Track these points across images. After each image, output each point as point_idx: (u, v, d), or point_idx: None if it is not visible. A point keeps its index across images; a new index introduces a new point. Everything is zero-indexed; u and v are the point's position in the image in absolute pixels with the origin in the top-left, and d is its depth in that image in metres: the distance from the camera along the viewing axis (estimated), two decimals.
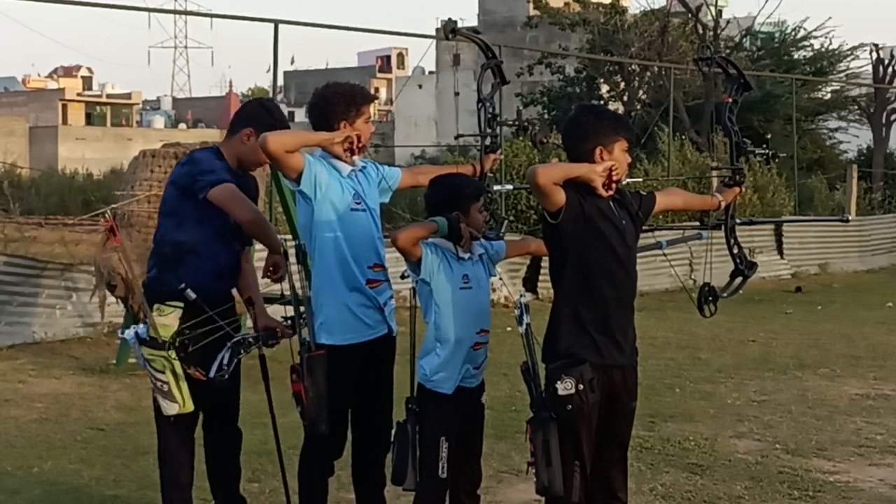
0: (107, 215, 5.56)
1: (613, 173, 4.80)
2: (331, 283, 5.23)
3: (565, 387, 4.66)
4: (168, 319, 5.30)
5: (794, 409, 9.06)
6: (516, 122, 6.21)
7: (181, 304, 5.30)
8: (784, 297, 16.90)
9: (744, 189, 5.67)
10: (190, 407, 5.32)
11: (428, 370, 5.12)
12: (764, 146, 5.94)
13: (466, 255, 5.14)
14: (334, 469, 5.46)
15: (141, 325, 5.37)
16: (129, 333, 5.37)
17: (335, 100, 5.32)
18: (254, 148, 5.28)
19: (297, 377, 5.17)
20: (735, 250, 5.64)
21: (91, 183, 37.56)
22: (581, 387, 4.67)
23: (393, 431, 5.23)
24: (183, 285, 5.24)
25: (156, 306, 5.32)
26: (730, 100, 5.75)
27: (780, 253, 20.10)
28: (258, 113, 5.54)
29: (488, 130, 5.95)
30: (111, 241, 5.52)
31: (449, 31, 6.09)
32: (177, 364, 5.25)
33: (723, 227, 5.58)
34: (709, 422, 8.50)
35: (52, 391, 9.52)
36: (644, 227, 5.16)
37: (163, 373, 5.27)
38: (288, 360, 5.33)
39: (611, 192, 4.84)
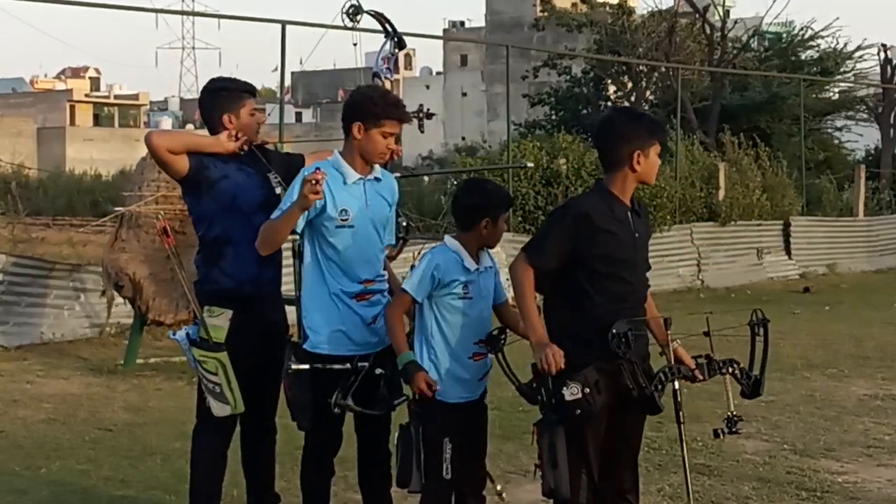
0: (160, 216, 5.56)
1: None
2: (318, 296, 5.17)
3: (572, 392, 4.66)
4: (219, 321, 5.27)
5: (801, 409, 9.04)
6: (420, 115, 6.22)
7: (231, 310, 5.30)
8: (792, 297, 16.87)
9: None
10: (241, 408, 5.31)
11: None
12: None
13: (472, 267, 5.10)
14: (334, 469, 5.44)
15: (192, 326, 5.36)
16: (181, 334, 5.35)
17: (354, 107, 5.22)
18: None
19: (284, 375, 5.22)
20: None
21: (99, 184, 37.72)
22: (587, 390, 4.66)
23: (396, 434, 5.22)
24: None
25: (206, 308, 5.30)
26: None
27: (788, 253, 20.09)
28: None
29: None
30: (164, 242, 5.48)
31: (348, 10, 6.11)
32: (229, 366, 5.24)
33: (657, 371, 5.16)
34: (716, 422, 8.36)
35: (60, 392, 9.54)
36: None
37: (215, 374, 5.23)
38: None
39: None
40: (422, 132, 6.42)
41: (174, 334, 5.46)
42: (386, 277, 5.33)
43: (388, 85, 6.19)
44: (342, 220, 5.12)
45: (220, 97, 5.55)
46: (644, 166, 4.86)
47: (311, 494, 5.40)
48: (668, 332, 5.07)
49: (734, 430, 5.06)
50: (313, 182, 4.86)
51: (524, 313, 4.85)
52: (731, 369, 5.15)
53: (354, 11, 6.40)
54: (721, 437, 5.10)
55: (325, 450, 5.36)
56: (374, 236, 5.23)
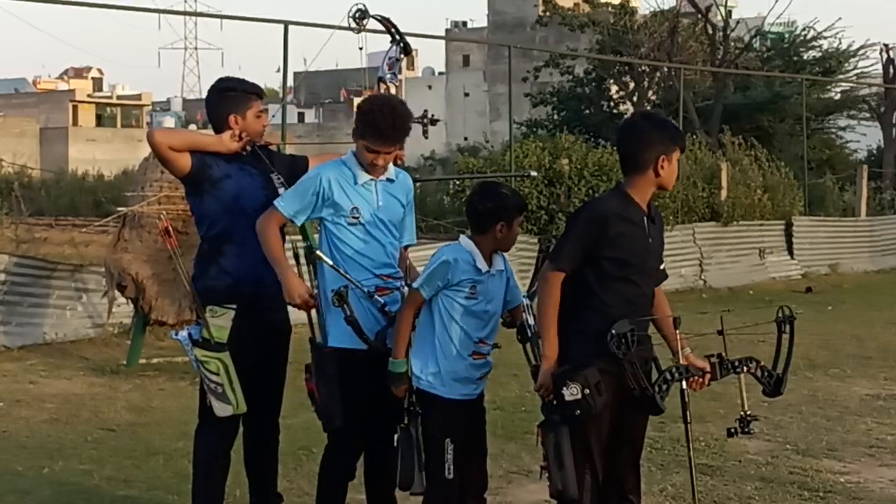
0: (162, 216, 5.58)
1: None
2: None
3: (571, 392, 4.66)
4: (221, 321, 5.26)
5: (804, 409, 9.04)
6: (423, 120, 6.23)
7: (233, 307, 5.29)
8: (794, 297, 16.84)
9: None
10: (243, 408, 5.30)
11: (421, 375, 5.11)
12: None
13: (484, 269, 5.11)
14: (355, 472, 5.44)
15: (194, 326, 5.35)
16: (183, 335, 5.34)
17: (357, 117, 5.24)
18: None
19: (310, 376, 5.20)
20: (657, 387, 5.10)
21: (101, 184, 37.73)
22: (587, 391, 4.66)
23: (396, 436, 5.21)
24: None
25: (208, 308, 5.30)
26: None
27: (791, 253, 20.08)
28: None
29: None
30: (166, 243, 5.48)
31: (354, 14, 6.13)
32: (231, 366, 5.23)
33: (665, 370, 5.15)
34: (719, 422, 8.47)
35: (63, 392, 9.54)
36: None
37: (217, 374, 5.23)
38: (301, 361, 5.35)
39: None
40: (426, 138, 6.42)
41: (176, 334, 5.45)
42: (402, 275, 5.37)
43: (392, 89, 6.20)
44: (353, 217, 5.20)
45: (228, 97, 5.55)
46: (667, 171, 4.89)
47: (328, 495, 5.38)
48: (678, 331, 5.05)
49: (747, 430, 5.07)
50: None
51: (540, 319, 4.87)
52: (747, 368, 5.17)
53: (361, 15, 6.38)
54: (735, 435, 5.11)
55: (350, 450, 5.35)
56: (387, 235, 5.30)
